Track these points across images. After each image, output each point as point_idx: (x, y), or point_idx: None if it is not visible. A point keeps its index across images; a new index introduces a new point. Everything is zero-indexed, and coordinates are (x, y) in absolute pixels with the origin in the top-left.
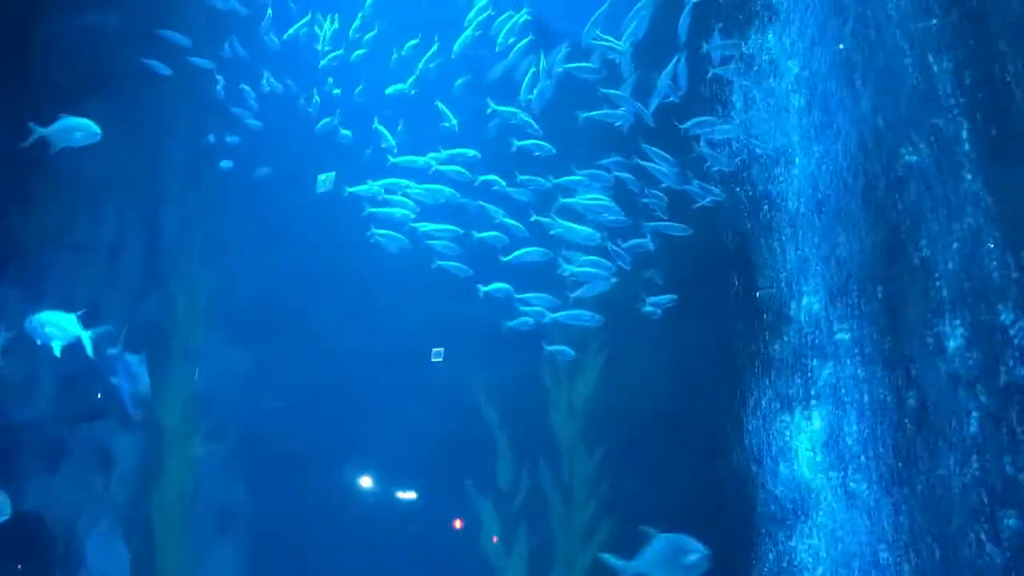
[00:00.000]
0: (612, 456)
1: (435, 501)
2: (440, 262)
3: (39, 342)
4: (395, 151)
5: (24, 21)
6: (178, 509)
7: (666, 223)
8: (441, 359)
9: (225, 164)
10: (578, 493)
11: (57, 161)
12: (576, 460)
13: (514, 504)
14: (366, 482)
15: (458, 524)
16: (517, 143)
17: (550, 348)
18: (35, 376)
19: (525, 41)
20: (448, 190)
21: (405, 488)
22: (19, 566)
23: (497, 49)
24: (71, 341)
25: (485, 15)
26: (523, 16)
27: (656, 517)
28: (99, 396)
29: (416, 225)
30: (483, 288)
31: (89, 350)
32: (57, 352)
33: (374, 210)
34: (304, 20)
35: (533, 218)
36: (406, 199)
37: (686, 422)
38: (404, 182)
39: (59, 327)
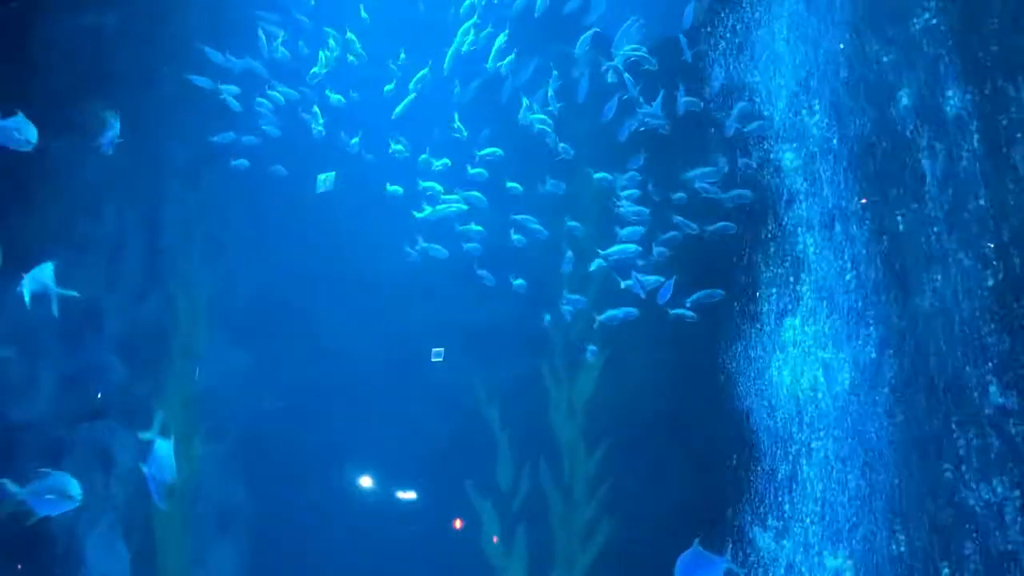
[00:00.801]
0: (612, 456)
1: (435, 501)
2: (479, 270)
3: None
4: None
5: (24, 21)
6: (179, 509)
7: (723, 224)
8: (441, 359)
9: (240, 163)
10: (578, 493)
11: (57, 161)
12: (576, 460)
13: (514, 504)
14: (366, 482)
15: (458, 524)
16: (560, 145)
17: (590, 348)
18: (35, 376)
19: (508, 60)
20: (482, 197)
21: (405, 488)
22: (19, 566)
23: (488, 68)
24: (39, 290)
25: (471, 37)
26: (504, 35)
27: (656, 517)
28: (99, 396)
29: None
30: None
31: (55, 307)
32: (27, 300)
33: (421, 214)
34: (281, 38)
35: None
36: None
37: (686, 422)
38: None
39: (33, 276)
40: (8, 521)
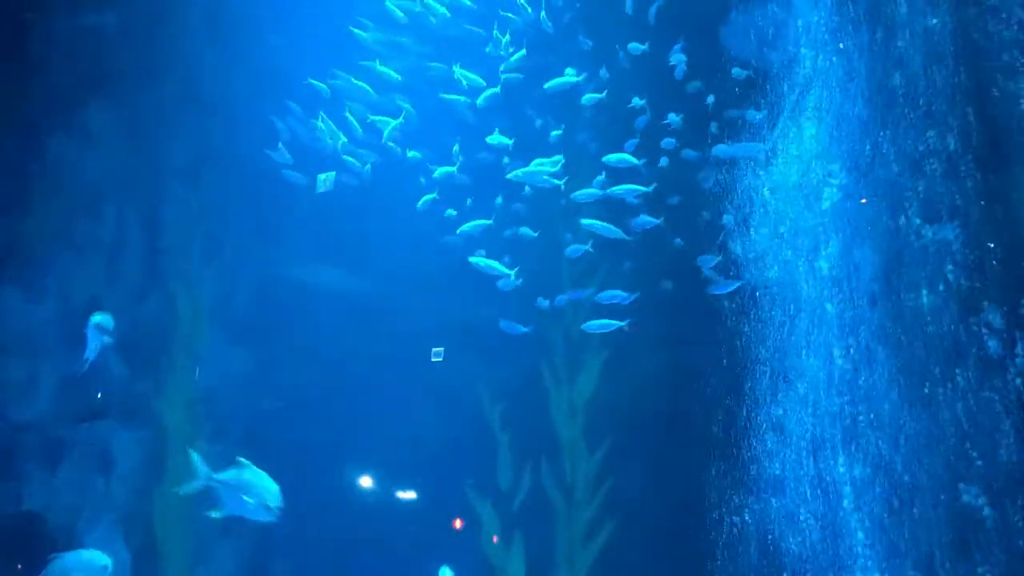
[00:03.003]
0: (613, 456)
1: (435, 501)
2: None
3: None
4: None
5: (24, 21)
6: (180, 509)
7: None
8: (441, 359)
9: (297, 179)
10: (579, 493)
11: (57, 161)
12: (577, 460)
13: (515, 504)
14: (366, 482)
15: (458, 524)
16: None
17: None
18: (35, 376)
19: (490, 91)
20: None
21: (405, 488)
22: (19, 566)
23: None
24: None
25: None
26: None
27: (657, 517)
28: (99, 396)
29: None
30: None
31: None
32: None
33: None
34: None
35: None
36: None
37: (686, 422)
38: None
39: None
40: (8, 521)
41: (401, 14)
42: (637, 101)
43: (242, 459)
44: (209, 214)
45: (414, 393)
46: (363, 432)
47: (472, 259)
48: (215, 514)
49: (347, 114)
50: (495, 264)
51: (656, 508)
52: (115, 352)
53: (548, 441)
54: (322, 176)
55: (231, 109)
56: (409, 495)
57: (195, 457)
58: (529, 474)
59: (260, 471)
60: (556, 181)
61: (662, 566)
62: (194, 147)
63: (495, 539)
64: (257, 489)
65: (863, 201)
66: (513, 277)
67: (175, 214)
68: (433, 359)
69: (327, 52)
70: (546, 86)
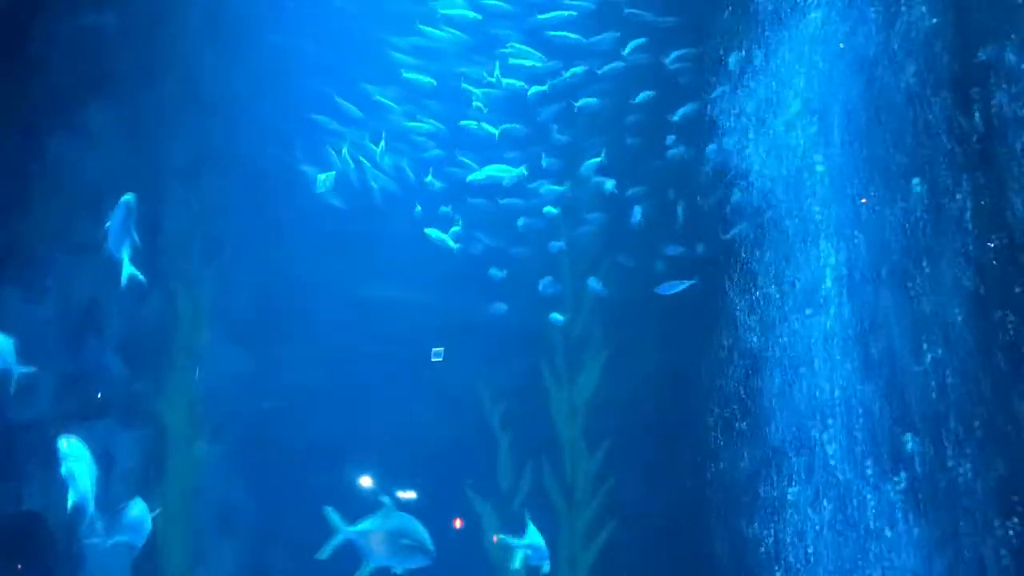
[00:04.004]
0: (613, 455)
1: (435, 501)
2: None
3: None
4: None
5: (24, 21)
6: (180, 509)
7: None
8: (441, 359)
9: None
10: (580, 492)
11: (57, 161)
12: (578, 459)
13: (515, 504)
14: (367, 482)
15: (458, 524)
16: None
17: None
18: (35, 376)
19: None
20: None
21: (405, 488)
22: (19, 566)
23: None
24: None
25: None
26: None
27: (658, 516)
28: (99, 396)
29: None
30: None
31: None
32: None
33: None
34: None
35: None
36: None
37: (686, 421)
38: None
39: None
40: (8, 521)
41: (443, 33)
42: (643, 96)
43: (385, 500)
44: (209, 214)
45: (414, 393)
46: (363, 432)
47: (427, 231)
48: (366, 570)
49: (367, 142)
50: (446, 238)
51: (656, 508)
52: (115, 352)
53: (548, 441)
54: (321, 176)
55: (231, 109)
56: (409, 495)
57: (331, 513)
58: (529, 474)
59: (401, 513)
60: (514, 172)
61: (662, 566)
62: (194, 147)
63: (495, 539)
64: (408, 533)
65: (863, 201)
66: (456, 250)
67: (175, 214)
68: (433, 359)
69: (328, 53)
70: (529, 93)
